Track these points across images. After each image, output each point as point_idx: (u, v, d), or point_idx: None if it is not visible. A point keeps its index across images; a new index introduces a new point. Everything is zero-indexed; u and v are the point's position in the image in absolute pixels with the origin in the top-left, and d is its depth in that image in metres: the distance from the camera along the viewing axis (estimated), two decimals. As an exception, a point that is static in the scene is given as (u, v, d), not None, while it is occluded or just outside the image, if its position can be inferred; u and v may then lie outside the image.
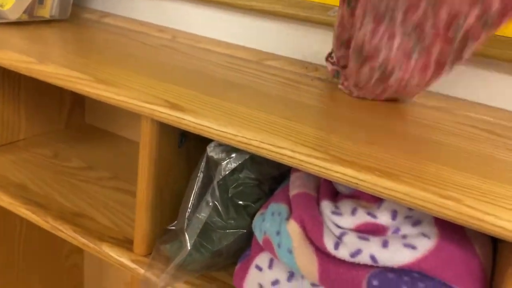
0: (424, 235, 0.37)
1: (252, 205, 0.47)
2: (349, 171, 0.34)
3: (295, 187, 0.43)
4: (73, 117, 0.82)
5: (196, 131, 0.40)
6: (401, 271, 0.36)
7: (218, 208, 0.45)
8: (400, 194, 0.33)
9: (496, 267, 0.38)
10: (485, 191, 0.33)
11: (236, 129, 0.39)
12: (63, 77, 0.47)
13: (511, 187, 0.34)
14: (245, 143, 0.38)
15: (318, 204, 0.41)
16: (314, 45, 0.63)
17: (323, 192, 0.42)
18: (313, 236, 0.38)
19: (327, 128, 0.41)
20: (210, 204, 0.45)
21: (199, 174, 0.46)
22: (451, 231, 0.37)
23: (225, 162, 0.45)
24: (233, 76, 0.54)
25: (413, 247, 0.36)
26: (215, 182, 0.45)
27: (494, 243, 0.41)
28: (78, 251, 0.91)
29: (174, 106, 0.41)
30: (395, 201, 0.33)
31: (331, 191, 0.42)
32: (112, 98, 0.44)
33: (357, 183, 0.34)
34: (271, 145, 0.37)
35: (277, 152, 0.37)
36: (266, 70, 0.60)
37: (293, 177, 0.45)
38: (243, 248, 0.47)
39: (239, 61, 0.61)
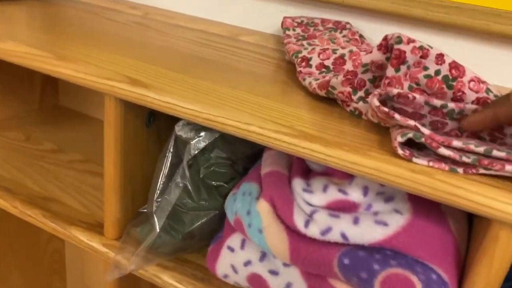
0: (397, 211, 0.35)
1: (225, 185, 0.46)
2: (317, 147, 0.33)
3: (266, 166, 0.41)
4: (46, 99, 0.79)
5: (160, 109, 0.38)
6: (372, 249, 0.35)
7: (189, 189, 0.44)
8: (368, 169, 0.31)
9: (471, 243, 0.37)
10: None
11: (202, 106, 0.37)
12: (22, 55, 0.45)
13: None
14: (212, 120, 0.37)
15: (290, 182, 0.40)
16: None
17: (295, 169, 0.40)
18: (283, 215, 0.37)
19: (297, 103, 0.40)
20: (180, 185, 0.44)
21: (167, 155, 0.44)
22: (425, 206, 0.36)
23: (194, 141, 0.43)
24: (204, 52, 0.51)
25: (384, 224, 0.35)
26: (184, 163, 0.44)
27: (470, 217, 0.40)
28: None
29: (136, 82, 0.39)
30: (364, 176, 0.32)
31: (303, 168, 0.41)
32: (71, 76, 0.42)
33: (325, 159, 0.33)
34: (238, 121, 0.36)
35: (244, 129, 0.36)
36: (240, 45, 0.57)
37: (265, 155, 0.43)
38: (217, 229, 0.46)
39: (212, 36, 0.59)
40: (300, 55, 0.44)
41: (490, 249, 0.31)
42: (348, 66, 0.41)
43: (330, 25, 0.54)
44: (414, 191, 0.31)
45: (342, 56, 0.44)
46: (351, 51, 0.43)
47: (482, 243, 0.32)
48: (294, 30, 0.53)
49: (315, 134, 0.34)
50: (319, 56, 0.43)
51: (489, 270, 0.31)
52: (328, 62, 0.43)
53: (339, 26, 0.53)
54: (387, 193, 0.37)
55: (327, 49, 0.45)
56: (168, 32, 0.58)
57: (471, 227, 0.39)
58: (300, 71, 0.43)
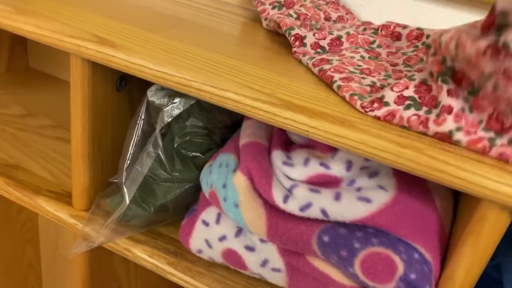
0: (381, 187, 0.33)
1: (201, 156, 0.43)
2: (299, 117, 0.30)
3: (245, 136, 0.39)
4: (14, 60, 0.74)
5: (129, 71, 0.35)
6: (354, 226, 0.33)
7: (162, 160, 0.41)
8: (353, 143, 0.29)
9: (456, 221, 0.36)
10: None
11: (175, 68, 0.34)
12: (-22, 8, 0.40)
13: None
14: (185, 85, 0.34)
15: (269, 154, 0.37)
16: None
17: (275, 141, 0.38)
18: (261, 189, 0.35)
19: (279, 70, 0.37)
20: (153, 155, 0.41)
21: (138, 122, 0.41)
22: (411, 182, 0.34)
23: (168, 108, 0.40)
24: (183, 13, 0.48)
25: (367, 201, 0.33)
26: (157, 131, 0.41)
27: (456, 195, 0.38)
28: (31, 204, 0.86)
29: (103, 41, 0.36)
30: (349, 150, 0.29)
31: (284, 140, 0.38)
32: (32, 32, 0.38)
33: (307, 131, 0.30)
34: (213, 87, 0.33)
35: (220, 96, 0.33)
36: (221, 7, 0.54)
37: (245, 125, 0.41)
38: (191, 202, 0.44)
39: (192, -4, 0.55)
40: (293, 33, 0.41)
41: (477, 229, 0.29)
42: (346, 46, 0.41)
43: None
44: (400, 167, 0.28)
45: (338, 38, 0.41)
46: (348, 34, 0.42)
47: (469, 222, 0.31)
48: None
49: (297, 103, 0.31)
50: (314, 35, 0.41)
51: (474, 250, 0.30)
52: (323, 43, 0.41)
53: None
54: (371, 168, 0.35)
55: (324, 29, 0.43)
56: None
57: (456, 203, 0.38)
58: (295, 51, 0.40)
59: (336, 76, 0.34)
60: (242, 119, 0.43)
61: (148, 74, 0.34)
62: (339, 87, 0.33)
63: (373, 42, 0.41)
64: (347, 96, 0.32)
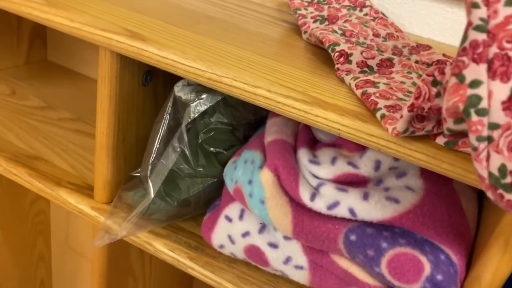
0: (408, 188, 0.34)
1: (224, 152, 0.44)
2: (331, 115, 0.31)
3: (271, 133, 0.39)
4: (33, 53, 0.75)
5: (160, 65, 0.35)
6: (381, 226, 0.33)
7: (186, 155, 0.41)
8: (386, 142, 0.29)
9: (482, 223, 0.36)
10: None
11: (206, 64, 0.34)
12: (9, -1, 0.41)
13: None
14: (216, 81, 0.34)
15: (295, 152, 0.37)
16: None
17: (301, 139, 0.38)
18: (287, 186, 0.35)
19: (309, 69, 0.37)
20: (178, 150, 0.41)
21: (165, 116, 0.41)
22: (438, 183, 0.34)
23: (195, 103, 0.40)
24: (210, 10, 0.48)
25: (395, 201, 0.33)
26: (183, 126, 0.41)
27: (479, 197, 0.38)
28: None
29: (135, 35, 0.36)
30: (380, 150, 0.30)
31: (310, 138, 0.38)
32: (64, 25, 0.38)
33: (339, 129, 0.31)
34: (245, 83, 0.33)
35: (251, 92, 0.33)
36: (248, 6, 0.54)
37: (270, 123, 0.41)
38: (214, 198, 0.44)
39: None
40: (337, 48, 0.36)
41: (506, 233, 0.30)
42: (397, 68, 0.36)
43: (346, 2, 0.49)
44: (434, 169, 0.29)
45: (390, 59, 0.37)
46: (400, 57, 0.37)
47: (497, 226, 0.31)
48: (306, 9, 0.48)
49: (328, 101, 0.32)
50: (362, 54, 0.36)
51: (503, 254, 0.30)
52: (371, 62, 0.36)
53: (356, 3, 0.48)
54: (399, 168, 0.35)
55: (372, 47, 0.38)
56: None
57: (481, 206, 0.38)
58: (338, 69, 0.36)
59: (381, 103, 0.30)
60: (266, 116, 0.43)
61: (180, 70, 0.34)
62: (382, 116, 0.29)
63: (429, 65, 0.37)
64: (389, 129, 0.28)
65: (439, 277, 0.31)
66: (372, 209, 0.33)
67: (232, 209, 0.40)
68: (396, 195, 0.33)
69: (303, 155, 0.36)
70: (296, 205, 0.35)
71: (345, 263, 0.35)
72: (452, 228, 0.33)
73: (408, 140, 0.29)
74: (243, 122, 0.44)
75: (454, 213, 0.34)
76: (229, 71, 0.33)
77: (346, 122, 0.30)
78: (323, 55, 0.41)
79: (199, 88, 0.41)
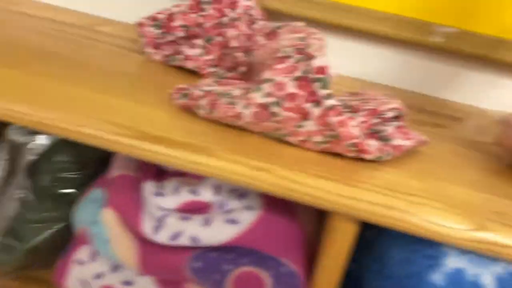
0: (249, 207, 0.35)
1: (74, 192, 0.42)
2: (159, 148, 0.31)
3: (115, 169, 0.38)
4: None
5: (-23, 111, 0.33)
6: (223, 249, 0.34)
7: (29, 200, 0.39)
8: (212, 169, 0.30)
9: (321, 235, 0.39)
10: (296, 159, 0.32)
11: (29, 106, 0.33)
12: None
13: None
14: (39, 123, 0.32)
15: (140, 185, 0.37)
16: (148, 7, 0.57)
17: (146, 172, 0.38)
18: (130, 223, 0.34)
19: (148, 101, 0.37)
20: (18, 196, 0.39)
21: (0, 162, 0.39)
22: (277, 200, 0.36)
23: (30, 145, 0.38)
24: (51, 45, 0.46)
25: (235, 222, 0.34)
26: (21, 170, 0.39)
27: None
28: None
29: None
30: (209, 176, 0.31)
31: (156, 170, 0.39)
32: None
33: (169, 160, 0.31)
34: (69, 123, 0.32)
35: (77, 132, 0.32)
36: (96, 37, 0.53)
37: (116, 158, 0.40)
38: (68, 241, 0.42)
39: (65, 27, 0.53)
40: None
41: (332, 238, 0.32)
42: None
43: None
44: (256, 188, 0.30)
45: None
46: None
47: (327, 234, 0.33)
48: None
49: (158, 134, 0.32)
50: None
51: (332, 258, 0.33)
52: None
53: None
54: (240, 190, 0.36)
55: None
56: (11, 21, 0.51)
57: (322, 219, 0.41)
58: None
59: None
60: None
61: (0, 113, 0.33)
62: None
63: None
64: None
65: (282, 287, 0.33)
66: (213, 234, 0.34)
67: (83, 251, 0.38)
68: (236, 217, 0.34)
69: (148, 188, 0.36)
70: (141, 240, 0.35)
71: (198, 290, 0.36)
72: (291, 242, 0.35)
73: (231, 166, 0.30)
74: (91, 159, 0.43)
75: (292, 227, 0.36)
76: (54, 112, 0.32)
77: (175, 153, 0.31)
78: (164, 85, 0.41)
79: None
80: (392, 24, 0.48)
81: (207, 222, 0.34)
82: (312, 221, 0.38)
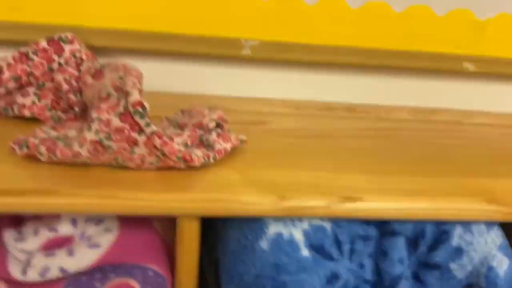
0: (107, 230, 0.40)
1: None
2: (9, 199, 0.34)
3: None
4: None
5: None
6: (92, 271, 0.39)
7: None
8: (63, 207, 0.35)
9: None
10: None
11: None
12: None
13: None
14: None
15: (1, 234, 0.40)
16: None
17: (4, 221, 0.40)
18: (-2, 271, 0.37)
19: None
20: None
21: None
22: (134, 219, 0.42)
23: None
24: None
25: (97, 246, 0.39)
26: None
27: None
28: None
29: None
30: (62, 213, 0.35)
31: (12, 217, 0.41)
32: None
33: (22, 208, 0.35)
34: None
35: None
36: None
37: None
38: None
39: None
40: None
41: (182, 238, 0.39)
42: None
43: None
44: (107, 213, 0.36)
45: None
46: None
47: (178, 235, 0.40)
48: None
49: (5, 187, 0.35)
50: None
51: (186, 255, 0.40)
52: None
53: None
54: (96, 217, 0.41)
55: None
56: None
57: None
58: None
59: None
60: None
61: None
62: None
63: None
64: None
65: (151, 287, 0.39)
66: (79, 261, 0.38)
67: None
68: (97, 241, 0.39)
69: (8, 235, 0.39)
70: (12, 284, 0.37)
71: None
72: (152, 249, 0.41)
73: (79, 200, 0.35)
74: None
75: (150, 237, 0.42)
76: None
77: (25, 201, 0.35)
78: (4, 138, 0.43)
79: None
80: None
81: (71, 253, 0.38)
82: (167, 227, 0.44)
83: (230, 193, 0.37)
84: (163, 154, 0.37)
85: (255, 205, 0.37)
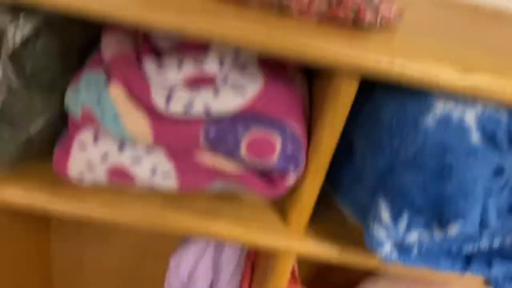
0: (251, 78, 0.37)
1: (58, 81, 0.40)
2: (165, 16, 0.31)
3: (110, 51, 0.38)
4: None
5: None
6: (235, 117, 0.36)
7: (15, 90, 0.37)
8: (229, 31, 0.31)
9: (314, 98, 0.42)
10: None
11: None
12: None
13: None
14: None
15: (140, 64, 0.37)
16: None
17: (143, 50, 0.38)
18: (140, 96, 0.35)
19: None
20: (3, 86, 0.37)
21: (-22, 48, 0.36)
22: (276, 72, 0.38)
23: (12, 29, 0.36)
24: None
25: (242, 91, 0.36)
26: (3, 58, 0.36)
27: (309, 81, 0.44)
28: None
29: None
30: (223, 39, 0.32)
31: (151, 48, 0.38)
32: None
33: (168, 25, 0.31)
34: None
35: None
36: None
37: (105, 41, 0.39)
38: (58, 132, 0.41)
39: None
40: None
41: (333, 98, 0.35)
42: None
43: None
44: (268, 49, 0.32)
45: None
46: None
47: (325, 97, 0.37)
48: None
49: (163, 4, 0.32)
50: None
51: (333, 117, 0.36)
52: None
53: None
54: (240, 62, 0.37)
55: None
56: None
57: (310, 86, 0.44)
58: None
59: None
60: (99, 37, 0.41)
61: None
62: None
63: None
64: None
65: (290, 147, 0.36)
66: (223, 102, 0.35)
67: (84, 135, 0.38)
68: (242, 86, 0.36)
69: (150, 64, 0.36)
70: (153, 113, 0.35)
71: (209, 160, 0.38)
72: (293, 107, 0.38)
73: (239, 24, 0.31)
74: (74, 46, 0.41)
75: (293, 95, 0.38)
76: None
77: (183, 20, 0.31)
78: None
79: (16, 11, 0.36)
80: None
81: (216, 93, 0.35)
82: (304, 84, 0.41)
83: (404, 59, 0.33)
84: (339, 2, 0.33)
85: (430, 76, 0.32)
